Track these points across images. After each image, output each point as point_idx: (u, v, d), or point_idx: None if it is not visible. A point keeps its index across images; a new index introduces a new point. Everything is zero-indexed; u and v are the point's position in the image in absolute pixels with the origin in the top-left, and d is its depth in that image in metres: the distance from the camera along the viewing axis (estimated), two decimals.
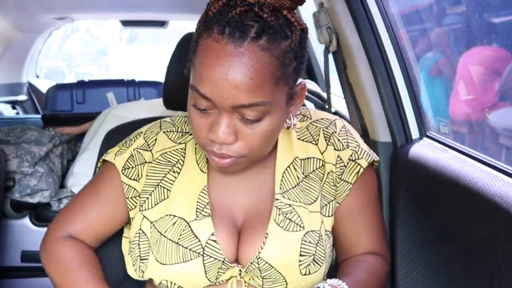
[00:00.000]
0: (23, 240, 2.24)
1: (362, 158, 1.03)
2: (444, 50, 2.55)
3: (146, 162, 1.03)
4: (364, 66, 1.40)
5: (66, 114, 3.15)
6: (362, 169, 1.02)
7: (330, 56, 1.54)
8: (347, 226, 1.05)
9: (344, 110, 1.95)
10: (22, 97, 4.00)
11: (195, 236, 0.96)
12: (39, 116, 3.20)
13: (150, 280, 1.03)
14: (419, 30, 2.42)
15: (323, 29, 1.47)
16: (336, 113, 2.18)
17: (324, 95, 2.27)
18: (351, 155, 1.02)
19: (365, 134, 1.50)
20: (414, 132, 1.39)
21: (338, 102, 2.21)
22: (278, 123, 0.89)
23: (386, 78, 1.39)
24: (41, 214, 2.25)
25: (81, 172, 2.32)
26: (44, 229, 2.34)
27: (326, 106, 1.81)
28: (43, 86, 4.04)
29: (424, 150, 1.26)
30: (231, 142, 0.86)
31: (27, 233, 2.24)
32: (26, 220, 2.25)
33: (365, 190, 1.05)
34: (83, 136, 2.56)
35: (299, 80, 0.91)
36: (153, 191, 1.01)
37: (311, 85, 2.54)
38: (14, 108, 3.89)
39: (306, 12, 2.84)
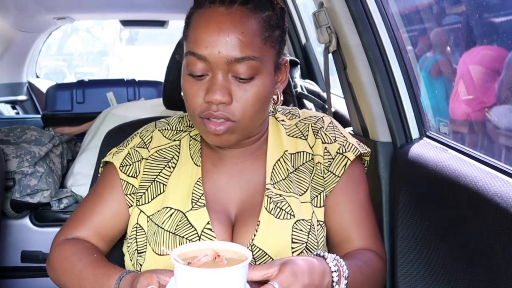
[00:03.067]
0: (23, 240, 2.24)
1: (349, 151, 1.05)
2: (444, 50, 2.55)
3: (142, 159, 1.06)
4: (364, 66, 1.40)
5: (66, 114, 3.15)
6: (349, 162, 1.04)
7: (330, 56, 1.54)
8: (336, 219, 1.05)
9: (344, 110, 1.95)
10: (22, 97, 4.00)
11: (191, 225, 0.98)
12: (39, 116, 3.20)
13: None
14: (419, 30, 2.42)
15: (323, 29, 1.47)
16: (336, 113, 2.18)
17: (324, 95, 2.27)
18: (338, 149, 1.05)
19: (365, 134, 1.50)
20: (414, 132, 1.39)
21: (338, 102, 2.22)
22: (268, 87, 0.94)
23: (386, 78, 1.39)
24: (41, 214, 2.25)
25: (81, 172, 2.32)
26: (44, 229, 2.35)
27: (326, 106, 1.81)
28: (43, 86, 4.04)
29: (424, 150, 1.26)
30: (228, 101, 0.90)
31: (27, 233, 2.24)
32: (26, 220, 2.25)
33: (352, 184, 1.06)
34: (83, 136, 2.56)
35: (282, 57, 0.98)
36: (149, 186, 1.04)
37: (311, 85, 2.54)
38: (14, 108, 3.90)
39: (306, 12, 2.85)
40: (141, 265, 1.00)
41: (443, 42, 2.54)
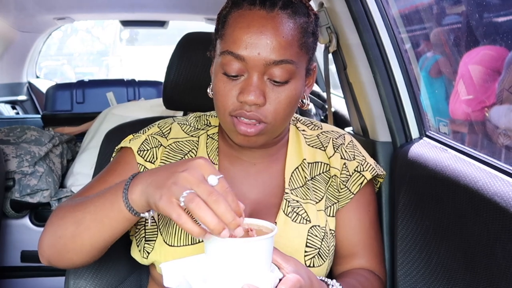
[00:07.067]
0: (23, 240, 2.24)
1: (367, 170, 1.09)
2: (444, 50, 2.55)
3: (161, 145, 1.06)
4: (364, 66, 1.40)
5: (66, 114, 3.15)
6: (365, 181, 1.08)
7: (330, 56, 1.54)
8: (346, 234, 1.09)
9: (344, 110, 1.95)
10: (22, 97, 4.00)
11: None
12: (39, 116, 3.20)
13: (153, 272, 1.04)
14: (419, 30, 2.42)
15: (323, 29, 1.47)
16: (335, 113, 2.18)
17: (324, 95, 2.27)
18: (356, 167, 1.08)
19: (365, 134, 1.50)
20: (414, 132, 1.39)
21: (338, 102, 2.22)
22: (299, 92, 0.95)
23: (386, 78, 1.39)
24: (41, 214, 2.25)
25: (81, 172, 2.32)
26: None
27: (326, 106, 1.81)
28: (43, 86, 4.04)
29: (424, 150, 1.26)
30: (262, 103, 0.91)
31: (27, 233, 2.24)
32: (26, 220, 2.25)
33: (365, 202, 1.10)
34: (83, 136, 2.57)
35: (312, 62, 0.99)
36: None
37: None
38: (14, 108, 3.89)
39: None
40: (148, 253, 1.01)
41: (443, 42, 2.54)
